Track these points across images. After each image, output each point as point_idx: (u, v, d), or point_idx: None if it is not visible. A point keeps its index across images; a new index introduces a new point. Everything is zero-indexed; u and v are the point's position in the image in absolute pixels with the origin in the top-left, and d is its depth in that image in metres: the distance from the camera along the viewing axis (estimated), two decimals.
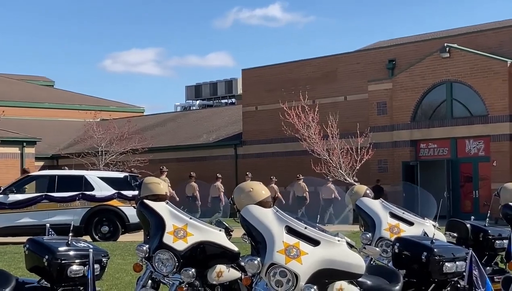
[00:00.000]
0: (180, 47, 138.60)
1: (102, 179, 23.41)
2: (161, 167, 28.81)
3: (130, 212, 21.83)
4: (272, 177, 29.63)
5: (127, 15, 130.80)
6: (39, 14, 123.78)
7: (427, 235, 8.37)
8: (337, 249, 5.98)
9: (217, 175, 29.12)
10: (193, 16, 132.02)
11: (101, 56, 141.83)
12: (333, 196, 25.22)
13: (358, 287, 6.33)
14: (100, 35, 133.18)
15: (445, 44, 33.23)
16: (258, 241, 5.96)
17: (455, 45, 33.18)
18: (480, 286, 7.47)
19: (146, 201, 7.33)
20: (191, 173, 26.44)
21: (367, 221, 8.93)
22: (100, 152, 39.27)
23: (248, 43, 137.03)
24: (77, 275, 7.05)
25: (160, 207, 7.26)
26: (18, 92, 57.94)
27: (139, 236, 19.62)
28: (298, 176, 29.40)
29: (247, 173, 30.49)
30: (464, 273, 7.59)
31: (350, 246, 6.15)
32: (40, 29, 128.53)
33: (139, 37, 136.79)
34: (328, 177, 29.32)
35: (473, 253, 7.60)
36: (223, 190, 26.78)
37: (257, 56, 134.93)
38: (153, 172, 28.55)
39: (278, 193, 28.37)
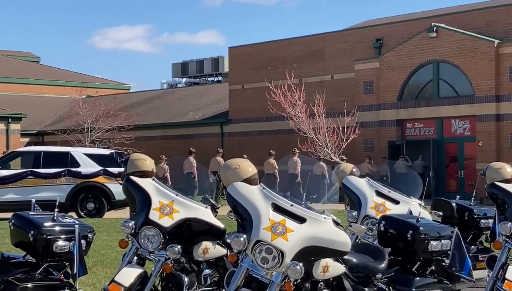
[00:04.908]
0: (170, 24, 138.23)
1: (88, 155, 23.35)
2: (293, 149, 29.16)
3: (116, 189, 21.83)
4: (218, 149, 30.43)
5: None
6: None
7: (413, 214, 8.40)
8: (323, 226, 5.99)
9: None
10: None
11: (89, 32, 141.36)
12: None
13: (344, 265, 6.35)
14: (89, 11, 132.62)
15: (433, 23, 33.20)
16: (244, 218, 5.96)
17: (443, 25, 33.15)
18: (457, 265, 7.51)
19: (132, 177, 7.31)
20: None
21: (353, 199, 8.95)
22: (86, 129, 39.11)
23: (238, 21, 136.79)
24: (63, 251, 7.04)
25: (146, 183, 7.24)
26: (3, 67, 57.57)
27: (124, 213, 19.61)
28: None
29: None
30: (449, 252, 7.63)
31: (336, 223, 6.16)
32: (28, 4, 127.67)
33: (129, 13, 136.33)
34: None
35: (458, 232, 7.63)
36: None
37: (247, 35, 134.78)
38: (138, 149, 28.50)
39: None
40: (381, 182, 9.30)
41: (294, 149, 29.44)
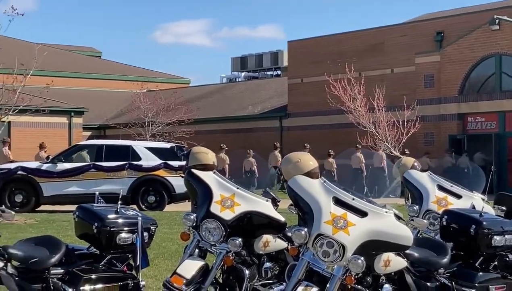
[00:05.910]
0: (230, 18, 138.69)
1: (149, 149, 23.58)
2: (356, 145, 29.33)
3: (177, 182, 22.01)
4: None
5: None
6: None
7: (476, 208, 8.30)
8: (385, 220, 5.96)
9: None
10: None
11: (151, 27, 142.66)
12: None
13: (406, 259, 6.31)
14: (151, 6, 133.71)
15: (495, 16, 32.70)
16: (305, 212, 5.96)
17: (505, 18, 32.63)
18: None
19: (193, 170, 7.35)
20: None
21: (415, 194, 8.88)
22: (146, 123, 39.45)
23: (298, 15, 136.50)
24: (126, 243, 7.12)
25: (207, 177, 7.28)
26: (65, 62, 58.35)
27: (184, 206, 19.76)
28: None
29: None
30: None
31: (398, 217, 6.13)
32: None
33: (190, 8, 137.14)
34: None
35: None
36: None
37: (306, 28, 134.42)
38: (198, 143, 28.69)
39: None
40: (462, 175, 9.23)
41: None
